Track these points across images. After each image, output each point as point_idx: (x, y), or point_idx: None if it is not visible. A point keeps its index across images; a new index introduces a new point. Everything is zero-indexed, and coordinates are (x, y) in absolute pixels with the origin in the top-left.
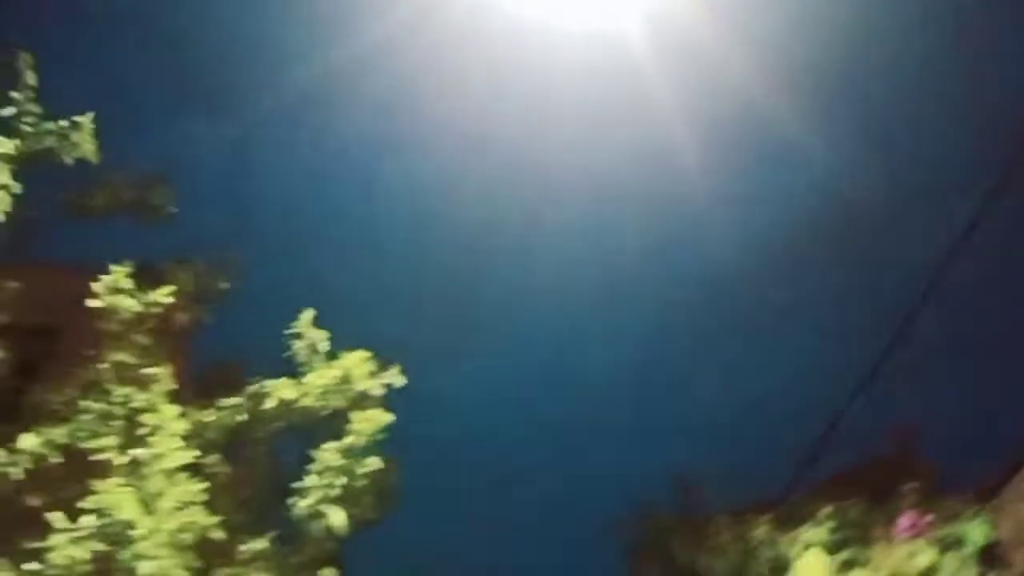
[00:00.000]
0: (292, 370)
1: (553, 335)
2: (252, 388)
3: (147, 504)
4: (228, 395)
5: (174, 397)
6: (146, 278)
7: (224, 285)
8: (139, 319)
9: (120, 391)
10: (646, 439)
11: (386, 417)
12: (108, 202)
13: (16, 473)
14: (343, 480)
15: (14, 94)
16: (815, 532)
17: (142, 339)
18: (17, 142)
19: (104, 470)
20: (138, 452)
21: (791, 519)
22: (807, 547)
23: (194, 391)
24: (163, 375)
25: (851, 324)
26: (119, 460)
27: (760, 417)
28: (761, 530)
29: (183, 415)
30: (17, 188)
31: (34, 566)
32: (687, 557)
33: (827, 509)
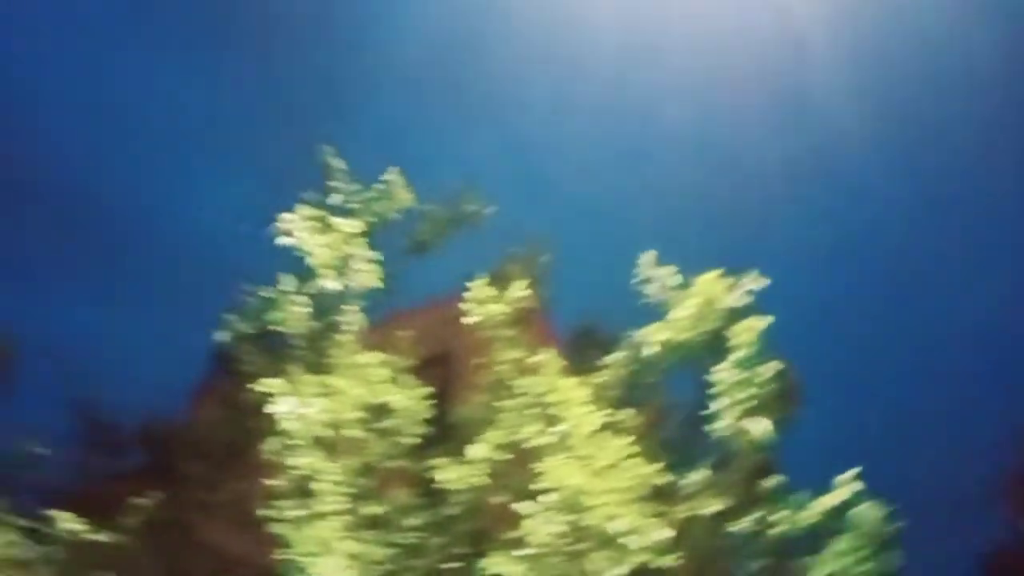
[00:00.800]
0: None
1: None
2: (627, 341)
3: (590, 470)
4: (604, 354)
5: (565, 371)
6: (494, 281)
7: (547, 260)
8: (510, 317)
9: (521, 383)
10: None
11: (763, 321)
12: (437, 229)
13: (480, 481)
14: (750, 392)
15: (333, 183)
16: None
17: (518, 333)
18: (358, 220)
19: (540, 453)
20: (560, 428)
21: None
22: None
23: (575, 360)
24: (548, 356)
25: None
26: (548, 440)
27: None
28: None
29: (581, 384)
30: (378, 256)
31: (523, 551)
32: None
33: None
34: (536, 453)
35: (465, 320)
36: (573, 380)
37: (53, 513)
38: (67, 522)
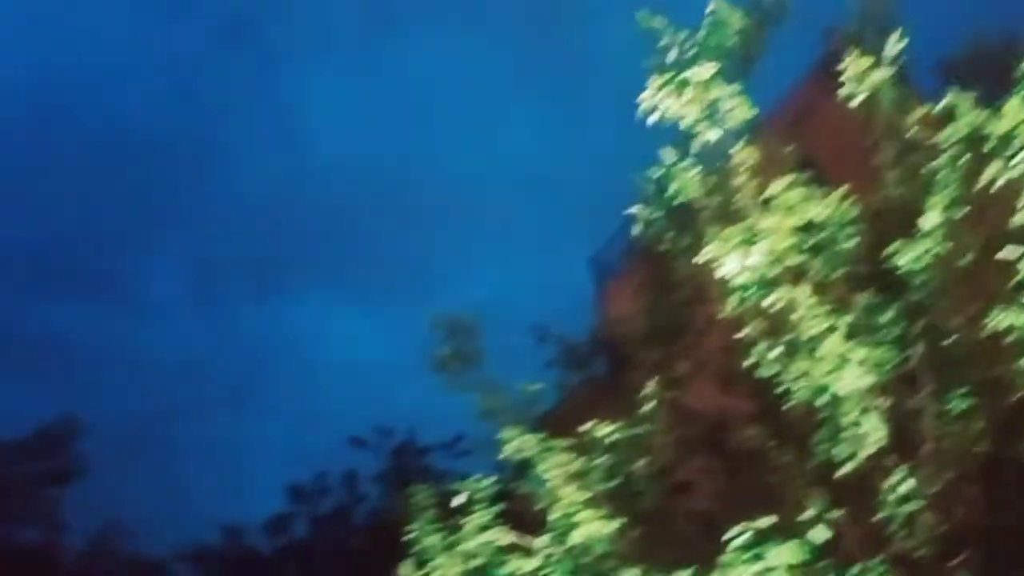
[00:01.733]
0: None
1: None
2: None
3: None
4: (1008, 67)
5: (976, 103)
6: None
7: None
8: (895, 76)
9: (943, 135)
10: None
11: None
12: (756, 34)
13: (942, 248)
14: None
15: (668, 42)
16: None
17: (905, 90)
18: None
19: (1005, 193)
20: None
21: None
22: None
23: (977, 88)
24: (954, 96)
25: None
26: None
27: None
28: None
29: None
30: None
31: None
32: None
33: None
34: (997, 196)
35: (822, 106)
36: (1012, 101)
37: (590, 425)
38: (600, 429)
